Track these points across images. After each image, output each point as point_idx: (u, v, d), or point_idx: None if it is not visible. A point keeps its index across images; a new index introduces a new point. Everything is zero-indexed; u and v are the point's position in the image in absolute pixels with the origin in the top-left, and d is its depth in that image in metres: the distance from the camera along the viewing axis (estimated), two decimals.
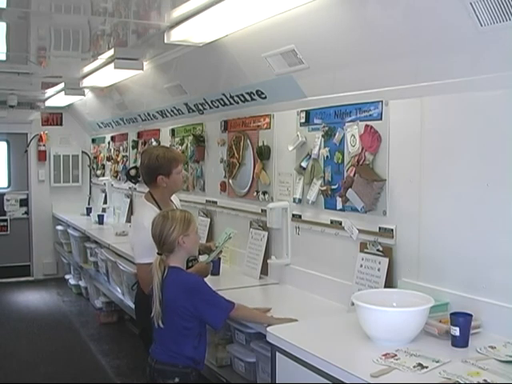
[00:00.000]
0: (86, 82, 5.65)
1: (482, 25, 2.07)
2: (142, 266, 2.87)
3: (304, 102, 3.34)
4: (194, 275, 2.76)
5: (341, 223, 3.09)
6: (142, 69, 4.44)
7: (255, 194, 3.94)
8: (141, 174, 3.40)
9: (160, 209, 3.01)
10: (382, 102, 2.80)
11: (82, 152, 8.34)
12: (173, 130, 5.33)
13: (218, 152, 4.47)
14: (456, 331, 2.16)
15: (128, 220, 6.46)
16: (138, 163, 6.11)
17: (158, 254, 2.62)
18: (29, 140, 8.13)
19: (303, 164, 3.37)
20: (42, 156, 8.14)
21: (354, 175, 2.91)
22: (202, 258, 3.21)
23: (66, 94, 6.30)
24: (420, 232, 2.64)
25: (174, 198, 3.28)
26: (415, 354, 2.06)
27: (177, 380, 2.59)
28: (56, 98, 7.07)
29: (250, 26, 3.12)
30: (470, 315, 2.20)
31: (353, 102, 2.97)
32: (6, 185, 8.18)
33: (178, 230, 2.59)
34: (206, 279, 3.18)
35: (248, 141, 4.03)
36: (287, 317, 2.67)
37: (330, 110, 3.16)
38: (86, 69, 5.20)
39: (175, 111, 5.04)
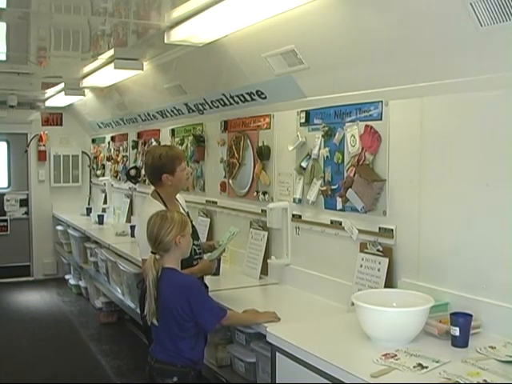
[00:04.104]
0: (85, 82, 5.64)
1: (482, 25, 2.07)
2: None
3: (304, 102, 3.34)
4: (190, 277, 2.77)
5: (341, 223, 3.09)
6: (142, 69, 4.44)
7: (255, 194, 3.94)
8: (146, 174, 3.43)
9: (166, 207, 3.03)
10: (381, 102, 2.80)
11: (82, 152, 8.35)
12: (173, 130, 5.33)
13: (218, 152, 4.47)
14: (456, 331, 2.16)
15: (128, 220, 6.47)
16: (138, 163, 6.14)
17: (152, 252, 2.63)
18: (29, 140, 8.13)
19: (303, 164, 3.37)
20: (42, 156, 8.14)
21: (354, 175, 2.91)
22: (206, 257, 3.22)
23: (65, 94, 6.30)
24: (420, 232, 2.64)
25: (179, 197, 3.30)
26: (415, 354, 2.06)
27: (175, 379, 2.60)
28: (56, 98, 7.07)
29: (250, 26, 3.12)
30: (470, 315, 2.20)
31: (353, 102, 2.97)
32: (6, 185, 8.18)
33: (175, 229, 2.61)
34: (207, 278, 3.21)
35: (248, 141, 4.03)
36: (269, 312, 2.75)
37: (329, 110, 3.16)
38: (86, 69, 5.20)
39: (175, 111, 5.04)
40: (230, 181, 4.29)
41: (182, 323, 2.57)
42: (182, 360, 2.61)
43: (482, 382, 1.83)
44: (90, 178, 8.36)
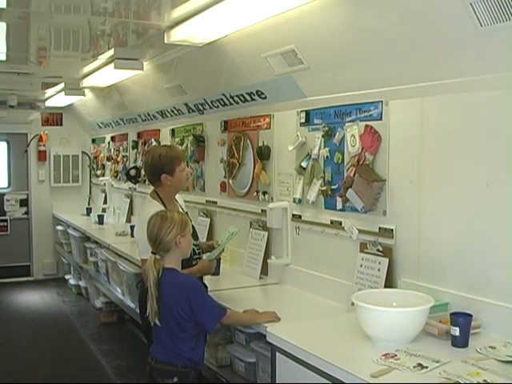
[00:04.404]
0: (85, 82, 5.64)
1: (482, 25, 2.07)
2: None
3: (304, 102, 3.34)
4: (190, 277, 2.77)
5: (341, 223, 3.09)
6: (142, 69, 4.44)
7: (255, 194, 3.94)
8: (145, 173, 3.43)
9: (165, 207, 3.03)
10: (381, 102, 2.80)
11: (82, 152, 8.35)
12: (173, 130, 5.33)
13: (218, 152, 4.47)
14: (456, 331, 2.16)
15: (128, 220, 6.47)
16: (138, 163, 6.14)
17: (152, 253, 2.63)
18: (29, 140, 8.13)
19: (303, 164, 3.37)
20: (42, 156, 8.14)
21: (354, 175, 2.91)
22: (205, 257, 3.22)
23: (65, 94, 6.30)
24: (420, 232, 2.64)
25: (178, 197, 3.30)
26: (415, 354, 2.06)
27: (175, 379, 2.59)
28: (56, 98, 7.07)
29: (250, 26, 3.12)
30: (470, 315, 2.20)
31: (353, 102, 2.97)
32: (6, 185, 8.18)
33: (175, 230, 2.61)
34: (206, 278, 3.21)
35: (248, 141, 4.03)
36: (269, 312, 2.75)
37: (329, 110, 3.16)
38: (86, 69, 5.20)
39: (175, 111, 5.04)
40: (230, 181, 4.29)
41: (183, 323, 2.57)
42: (183, 360, 2.60)
43: (481, 382, 1.83)
44: (90, 177, 8.36)
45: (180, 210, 3.17)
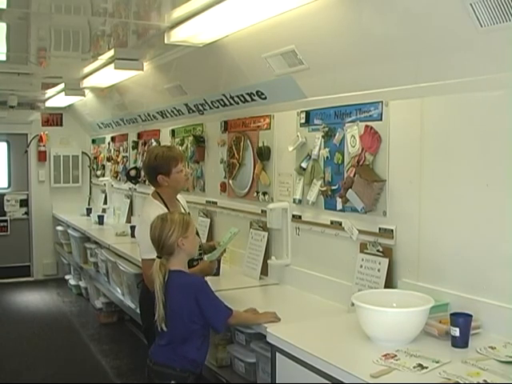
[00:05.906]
0: (86, 83, 5.65)
1: (482, 25, 2.07)
2: (148, 262, 2.87)
3: (304, 103, 3.34)
4: (197, 277, 2.76)
5: (341, 224, 3.09)
6: (142, 69, 4.44)
7: (255, 194, 3.94)
8: (144, 174, 3.44)
9: (166, 207, 3.03)
10: (382, 102, 2.80)
11: (82, 152, 8.35)
12: (173, 131, 5.33)
13: (218, 152, 4.47)
14: (456, 332, 2.16)
15: (128, 220, 6.47)
16: (138, 164, 6.15)
17: (157, 257, 2.62)
18: (29, 140, 8.13)
19: (303, 164, 3.37)
20: (42, 156, 8.14)
21: (354, 176, 2.91)
22: (206, 258, 3.22)
23: (66, 94, 6.30)
24: (420, 232, 2.64)
25: (180, 198, 3.30)
26: (415, 355, 2.06)
27: (173, 382, 2.58)
28: (56, 99, 7.07)
29: (250, 27, 3.12)
30: (470, 316, 2.20)
31: (353, 102, 2.97)
32: (6, 185, 8.18)
33: (176, 232, 2.59)
34: (207, 278, 3.21)
35: (248, 141, 4.03)
36: (269, 312, 2.74)
37: (330, 110, 3.16)
38: (86, 69, 5.20)
39: (175, 112, 5.04)
40: (230, 181, 4.29)
41: (190, 325, 2.56)
42: (182, 363, 2.59)
43: (481, 382, 1.83)
44: (90, 178, 8.37)
45: (182, 210, 3.17)
